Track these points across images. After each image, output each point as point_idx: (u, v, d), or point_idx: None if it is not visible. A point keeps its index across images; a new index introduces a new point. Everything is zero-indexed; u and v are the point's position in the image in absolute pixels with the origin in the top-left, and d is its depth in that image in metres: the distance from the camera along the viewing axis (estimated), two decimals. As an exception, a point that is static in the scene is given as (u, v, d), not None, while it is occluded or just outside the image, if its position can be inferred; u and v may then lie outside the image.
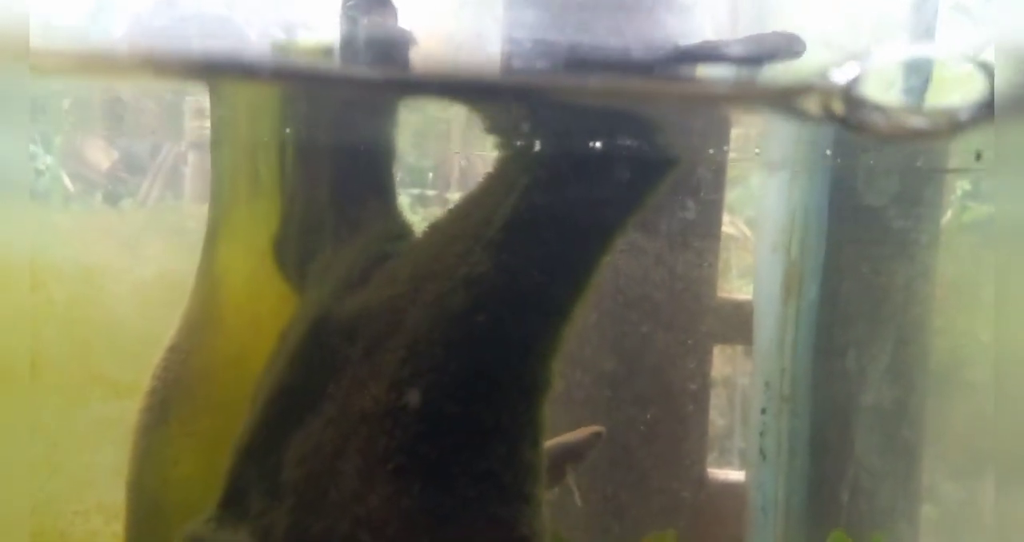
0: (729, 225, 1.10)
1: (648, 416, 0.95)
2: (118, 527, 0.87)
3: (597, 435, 0.78)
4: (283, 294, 0.71)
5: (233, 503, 0.51)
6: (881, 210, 0.86)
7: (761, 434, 0.92)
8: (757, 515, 0.91)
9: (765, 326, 0.92)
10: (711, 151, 0.78)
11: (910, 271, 0.89)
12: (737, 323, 0.99)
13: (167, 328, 0.94)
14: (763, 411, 0.92)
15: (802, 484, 0.86)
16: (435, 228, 0.58)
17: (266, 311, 0.72)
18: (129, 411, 0.92)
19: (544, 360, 0.53)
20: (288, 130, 0.72)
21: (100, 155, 0.98)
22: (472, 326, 0.51)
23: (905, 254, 0.89)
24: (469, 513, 0.47)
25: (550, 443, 0.81)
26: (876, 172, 0.84)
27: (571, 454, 0.77)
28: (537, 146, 0.54)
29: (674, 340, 0.93)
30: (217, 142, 0.73)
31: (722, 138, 0.79)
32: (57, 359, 0.87)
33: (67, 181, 0.92)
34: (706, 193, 0.92)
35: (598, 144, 0.54)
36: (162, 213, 0.94)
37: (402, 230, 0.63)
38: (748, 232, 1.24)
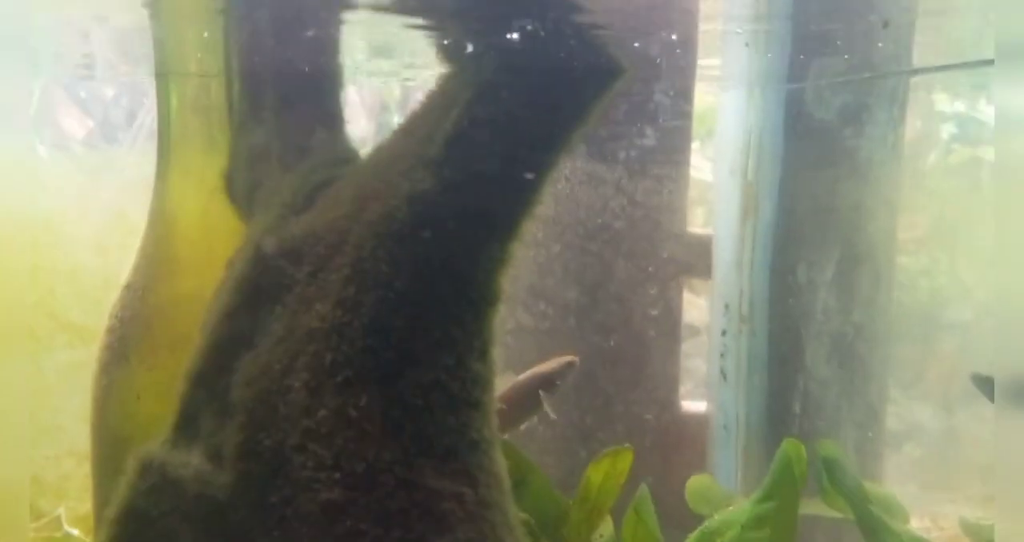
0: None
1: (611, 344, 0.97)
2: (89, 470, 0.88)
3: (571, 364, 0.80)
4: (236, 229, 0.71)
5: (185, 426, 0.52)
6: (834, 129, 0.87)
7: (722, 355, 0.94)
8: (719, 433, 0.94)
9: (724, 248, 0.93)
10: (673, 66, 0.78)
11: (862, 191, 0.90)
12: (702, 255, 1.00)
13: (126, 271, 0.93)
14: (723, 333, 0.94)
15: (760, 400, 0.88)
16: (379, 149, 0.57)
17: (219, 246, 0.72)
18: (95, 356, 0.92)
19: (491, 275, 0.53)
20: (233, 59, 0.70)
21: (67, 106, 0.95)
22: (416, 243, 0.51)
23: (857, 174, 0.90)
24: (417, 421, 0.49)
25: (525, 374, 0.82)
26: (827, 90, 0.84)
27: (546, 383, 0.79)
28: (479, 61, 0.54)
29: (636, 268, 0.94)
30: (161, 74, 0.72)
31: (688, 54, 0.78)
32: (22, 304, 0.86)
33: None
34: (666, 119, 0.91)
35: (541, 56, 0.53)
36: (120, 156, 0.93)
37: (348, 155, 0.63)
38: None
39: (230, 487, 0.47)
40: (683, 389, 1.02)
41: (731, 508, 0.70)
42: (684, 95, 0.93)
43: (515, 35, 0.56)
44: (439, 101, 0.55)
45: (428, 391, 0.50)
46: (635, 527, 0.62)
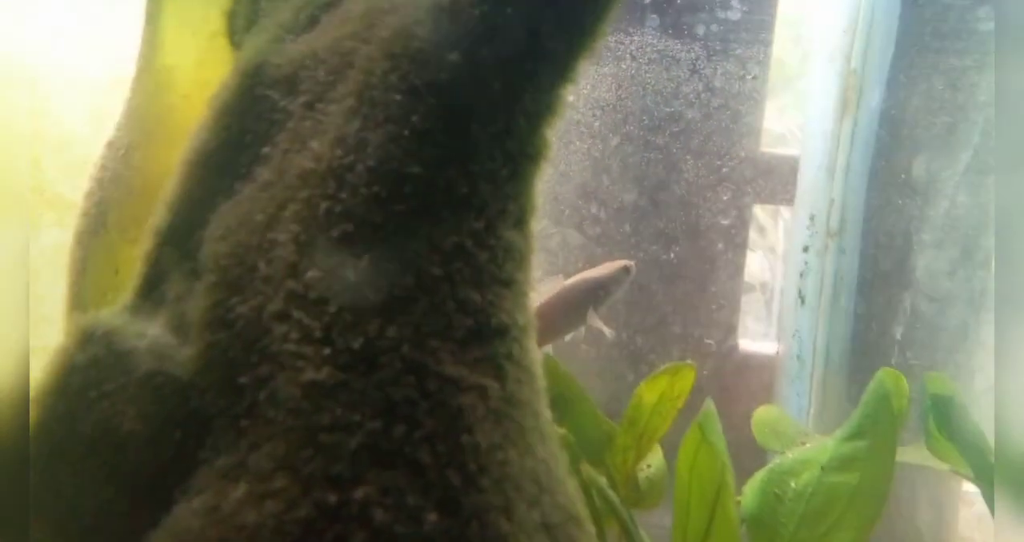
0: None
1: (672, 256, 0.84)
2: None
3: (626, 270, 0.69)
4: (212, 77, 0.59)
5: (149, 291, 0.41)
6: (963, 6, 0.70)
7: (801, 275, 0.80)
8: (791, 364, 0.81)
9: (813, 149, 0.78)
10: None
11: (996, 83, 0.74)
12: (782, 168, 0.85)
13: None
14: (805, 249, 0.80)
15: (846, 327, 0.75)
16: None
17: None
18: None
19: (535, 122, 0.41)
20: None
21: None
22: (440, 67, 0.39)
23: (990, 63, 0.73)
24: (433, 293, 0.37)
25: (573, 278, 0.72)
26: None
27: (597, 291, 0.69)
28: None
29: (708, 168, 0.80)
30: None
31: None
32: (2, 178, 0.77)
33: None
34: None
35: None
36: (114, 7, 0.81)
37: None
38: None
39: (193, 362, 0.37)
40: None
41: (807, 445, 0.58)
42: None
43: None
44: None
45: (449, 258, 0.38)
46: (697, 447, 0.50)
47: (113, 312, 0.41)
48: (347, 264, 0.37)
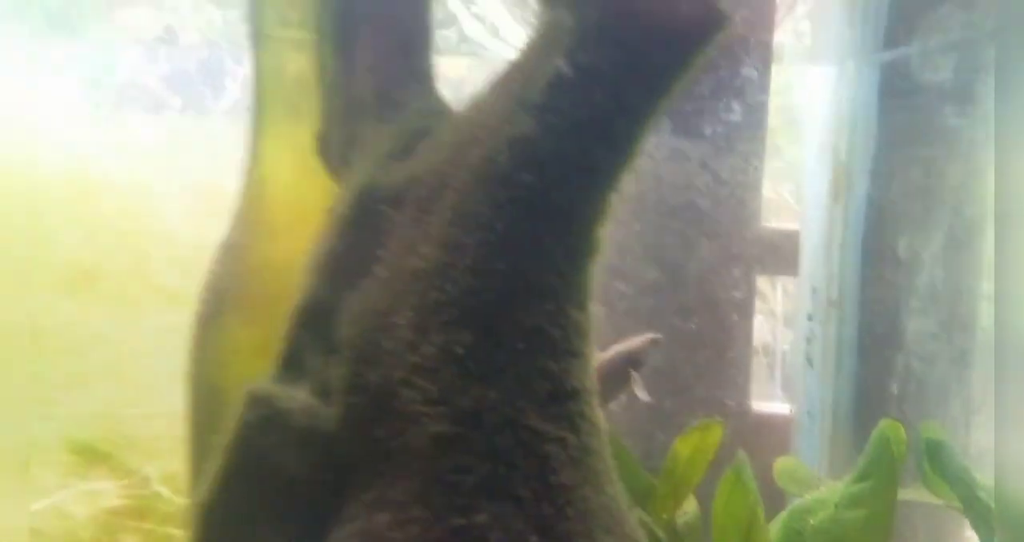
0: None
1: (692, 326, 0.95)
2: (178, 431, 0.90)
3: (654, 341, 0.78)
4: (327, 189, 0.72)
5: (291, 365, 0.52)
6: (934, 106, 0.84)
7: (808, 341, 0.91)
8: (803, 420, 0.91)
9: (812, 231, 0.90)
10: (757, 36, 0.76)
11: (964, 171, 0.86)
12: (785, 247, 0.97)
13: (217, 237, 0.96)
14: (809, 317, 0.91)
15: (850, 386, 0.85)
16: (477, 97, 0.58)
17: (311, 207, 0.73)
18: (187, 319, 0.95)
19: (590, 224, 0.53)
20: (326, 20, 0.72)
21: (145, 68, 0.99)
22: (517, 187, 0.51)
23: (959, 153, 0.86)
24: (520, 364, 0.48)
25: (608, 351, 0.81)
26: (925, 64, 0.81)
27: (632, 360, 0.78)
28: (583, 6, 0.53)
29: (719, 248, 0.92)
30: (256, 40, 0.74)
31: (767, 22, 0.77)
32: (115, 270, 0.89)
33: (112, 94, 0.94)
34: (752, 94, 0.90)
35: (644, 2, 0.52)
36: (199, 123, 0.96)
37: (441, 106, 0.63)
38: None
39: (337, 420, 0.48)
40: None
41: (822, 488, 0.67)
42: (767, 70, 0.92)
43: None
44: (540, 47, 0.55)
45: (530, 336, 0.49)
46: (732, 488, 0.60)
47: (264, 382, 0.52)
48: (454, 342, 0.48)
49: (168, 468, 0.92)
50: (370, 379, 0.48)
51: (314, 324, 0.54)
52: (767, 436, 0.93)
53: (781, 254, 0.96)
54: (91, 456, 0.90)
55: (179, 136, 0.99)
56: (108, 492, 0.90)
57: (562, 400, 0.49)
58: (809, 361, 0.90)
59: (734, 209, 0.92)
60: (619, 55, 0.51)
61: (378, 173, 0.57)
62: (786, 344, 1.28)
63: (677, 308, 0.94)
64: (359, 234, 0.55)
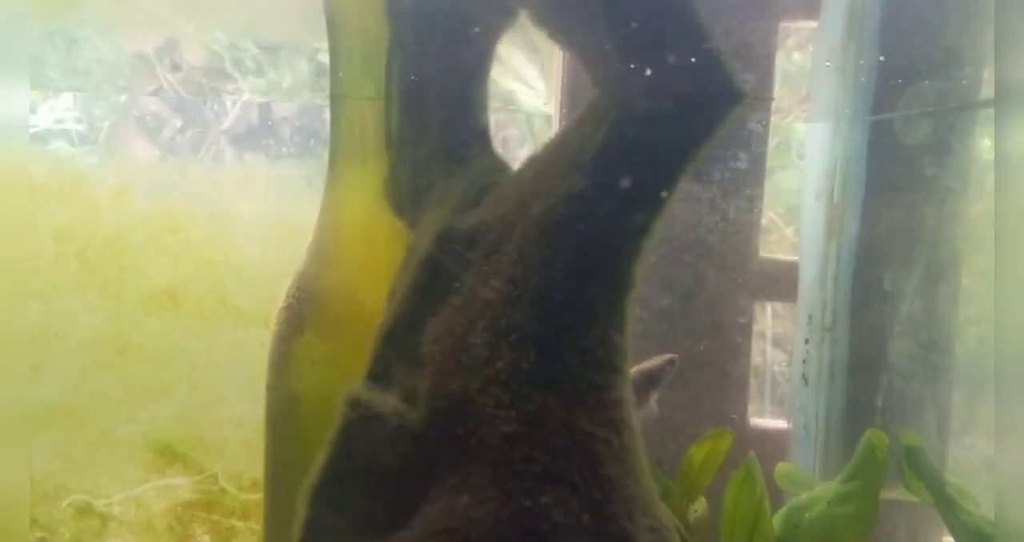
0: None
1: (701, 348, 1.06)
2: (245, 434, 1.02)
3: (672, 362, 0.89)
4: (392, 228, 0.84)
5: (379, 376, 0.64)
6: (915, 158, 0.96)
7: (804, 361, 1.02)
8: (800, 432, 1.02)
9: (809, 265, 1.02)
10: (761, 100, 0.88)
11: (940, 214, 0.98)
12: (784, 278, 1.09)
13: (282, 265, 1.07)
14: (806, 341, 1.02)
15: (841, 401, 0.96)
16: (534, 158, 0.70)
17: (378, 243, 0.85)
18: (254, 337, 1.06)
19: (629, 264, 0.65)
20: (394, 83, 0.84)
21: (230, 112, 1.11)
22: (572, 234, 0.63)
23: (935, 199, 0.98)
24: (573, 378, 0.60)
25: (632, 370, 0.91)
26: (909, 122, 0.94)
27: (652, 379, 0.88)
28: (626, 85, 0.66)
29: (726, 279, 1.04)
30: (335, 98, 0.86)
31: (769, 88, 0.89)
32: (195, 292, 1.01)
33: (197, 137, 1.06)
34: (756, 146, 1.02)
35: (678, 81, 0.65)
36: (278, 166, 1.08)
37: (500, 162, 0.76)
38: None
39: (423, 421, 0.59)
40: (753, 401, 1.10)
41: (816, 489, 0.79)
42: (767, 125, 1.04)
43: (657, 61, 0.67)
44: (590, 118, 0.67)
45: (581, 355, 0.61)
46: (742, 483, 0.71)
47: (358, 388, 0.63)
48: (521, 358, 0.59)
49: (234, 468, 1.03)
50: (451, 388, 0.60)
51: (398, 342, 0.65)
52: (763, 446, 1.04)
53: (780, 283, 1.08)
54: (169, 455, 1.01)
55: (250, 175, 1.11)
56: (182, 487, 1.00)
57: (607, 408, 0.60)
58: (805, 379, 1.01)
59: (739, 244, 1.04)
60: (657, 127, 0.64)
61: (453, 219, 0.69)
62: (776, 364, 1.39)
63: (688, 331, 1.05)
64: (437, 268, 0.67)
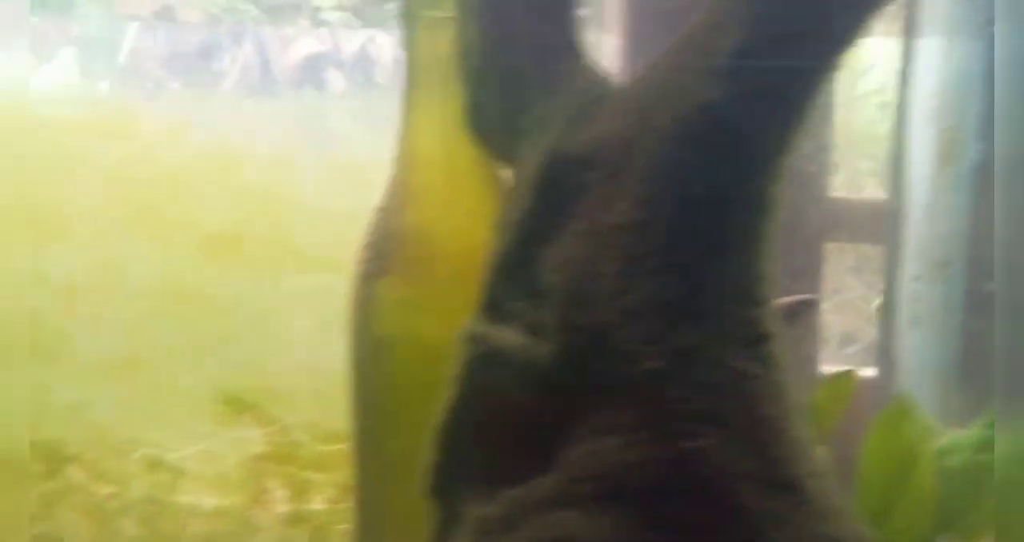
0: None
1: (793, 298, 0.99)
2: (316, 383, 0.96)
3: (807, 302, 0.80)
4: (474, 157, 0.77)
5: (492, 310, 0.57)
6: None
7: (914, 301, 0.95)
8: (903, 378, 0.95)
9: (919, 192, 0.94)
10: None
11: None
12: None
13: (346, 205, 1.01)
14: (916, 278, 0.95)
15: (958, 342, 0.89)
16: (653, 65, 0.62)
17: (459, 173, 0.78)
18: (320, 282, 1.00)
19: (769, 184, 0.57)
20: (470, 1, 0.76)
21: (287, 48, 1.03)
22: (708, 147, 0.56)
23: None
24: (718, 311, 0.53)
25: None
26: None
27: (790, 316, 0.80)
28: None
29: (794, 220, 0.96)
30: (407, 19, 0.78)
31: None
32: (256, 236, 0.94)
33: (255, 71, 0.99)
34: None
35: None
36: (346, 100, 1.00)
37: (601, 74, 0.68)
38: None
39: (551, 356, 0.52)
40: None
41: (951, 435, 0.72)
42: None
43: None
44: (716, 18, 0.59)
45: (726, 284, 0.54)
46: (889, 426, 0.64)
47: (473, 323, 0.57)
48: (660, 290, 0.52)
49: (306, 418, 0.98)
50: (580, 321, 0.53)
51: (511, 274, 0.59)
52: (865, 398, 0.97)
53: (860, 222, 1.00)
54: (238, 406, 0.96)
55: (311, 113, 1.04)
56: (254, 439, 0.96)
57: (757, 343, 0.54)
58: (916, 320, 0.94)
59: (805, 180, 0.96)
60: (801, 22, 0.55)
61: (562, 139, 0.62)
62: (862, 308, 1.32)
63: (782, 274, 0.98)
64: (549, 193, 0.60)
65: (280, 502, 0.91)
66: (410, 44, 0.78)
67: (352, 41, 0.99)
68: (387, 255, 0.77)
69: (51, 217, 0.90)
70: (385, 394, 0.75)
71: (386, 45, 0.97)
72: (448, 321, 0.74)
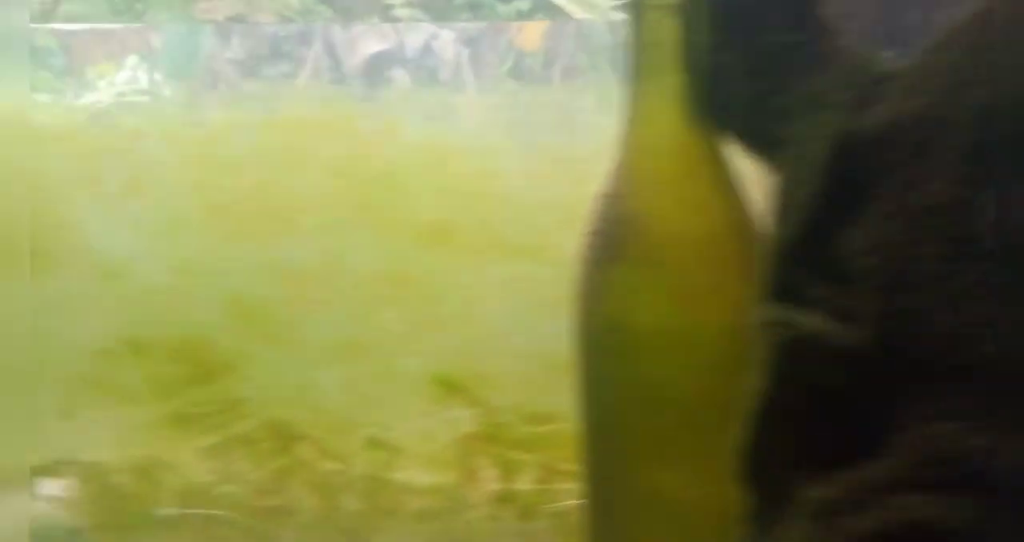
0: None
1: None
2: (522, 367, 0.98)
3: None
4: (702, 141, 0.76)
5: (784, 295, 0.56)
6: None
7: None
8: None
9: None
10: None
11: None
12: None
13: (549, 196, 1.01)
14: None
15: None
16: (940, 44, 0.59)
17: (688, 157, 0.78)
18: (524, 271, 1.02)
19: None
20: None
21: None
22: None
23: None
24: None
25: None
26: None
27: None
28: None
29: None
30: (635, 8, 0.78)
31: None
32: (463, 226, 0.97)
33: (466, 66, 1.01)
34: None
35: None
36: (551, 93, 1.01)
37: (873, 57, 0.66)
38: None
39: (867, 342, 0.51)
40: None
41: None
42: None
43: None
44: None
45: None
46: None
47: (764, 309, 0.56)
48: (990, 273, 0.50)
49: (514, 400, 1.00)
50: (901, 305, 0.52)
51: (804, 258, 0.58)
52: None
53: None
54: (450, 388, 0.99)
55: (513, 103, 1.06)
56: (464, 419, 0.98)
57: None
58: None
59: None
60: None
61: (849, 120, 0.60)
62: None
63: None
64: (842, 175, 0.58)
65: (490, 481, 0.93)
66: (636, 31, 0.79)
67: (416, 38, 1.00)
68: (617, 241, 0.77)
69: (281, 210, 0.95)
70: (618, 378, 0.76)
71: (449, 42, 0.98)
72: (680, 305, 0.74)
